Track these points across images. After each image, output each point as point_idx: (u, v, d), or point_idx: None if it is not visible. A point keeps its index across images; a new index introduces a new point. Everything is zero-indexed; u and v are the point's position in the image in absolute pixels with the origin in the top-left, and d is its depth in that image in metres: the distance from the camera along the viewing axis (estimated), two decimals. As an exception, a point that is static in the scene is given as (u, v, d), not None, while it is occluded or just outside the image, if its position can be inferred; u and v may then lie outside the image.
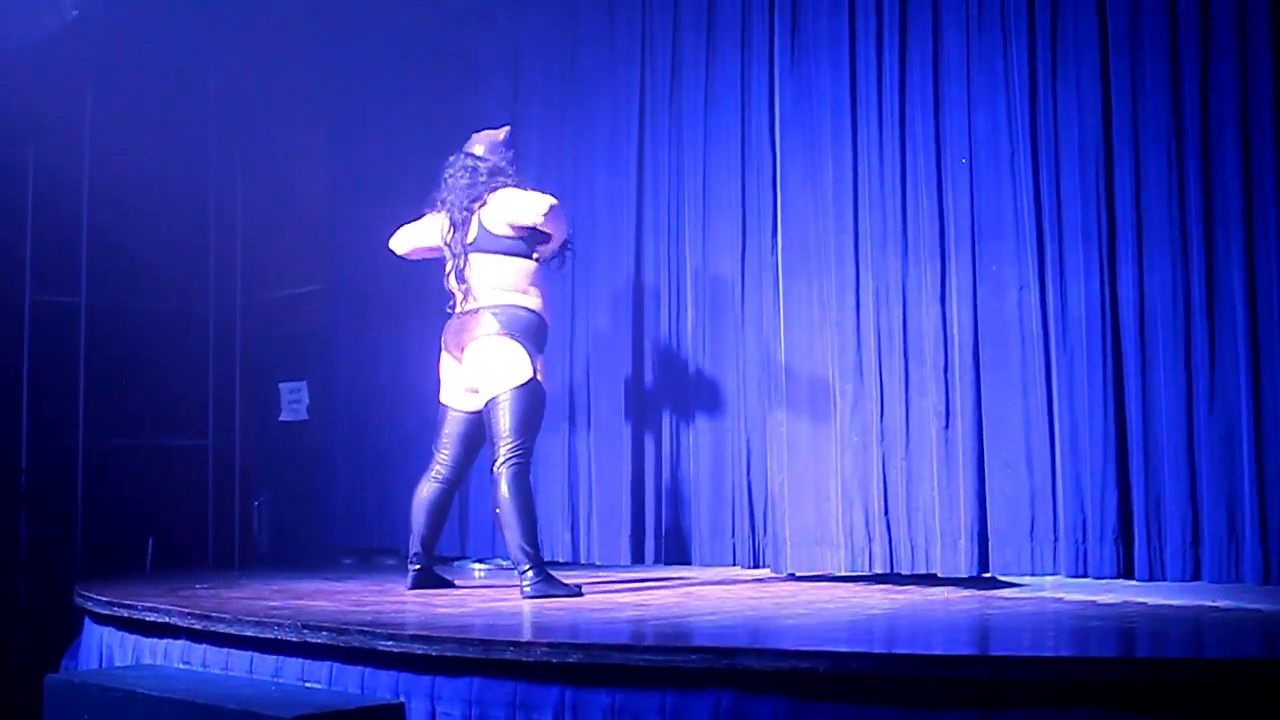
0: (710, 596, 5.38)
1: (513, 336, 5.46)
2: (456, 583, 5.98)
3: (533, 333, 5.51)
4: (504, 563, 7.10)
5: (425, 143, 7.47)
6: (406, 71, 7.86)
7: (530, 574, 5.33)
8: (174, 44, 7.86)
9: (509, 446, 5.40)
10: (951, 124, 5.58)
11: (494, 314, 5.48)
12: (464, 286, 5.56)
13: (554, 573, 5.47)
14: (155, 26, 7.62)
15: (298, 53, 8.23)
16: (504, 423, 5.41)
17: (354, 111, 8.18)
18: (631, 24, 6.80)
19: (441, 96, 7.66)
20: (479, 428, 5.59)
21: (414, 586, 5.70)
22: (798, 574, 5.94)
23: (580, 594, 5.33)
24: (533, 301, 5.54)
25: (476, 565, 7.12)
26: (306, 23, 8.13)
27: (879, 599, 5.19)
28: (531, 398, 5.45)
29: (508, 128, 5.87)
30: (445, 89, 7.66)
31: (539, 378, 5.49)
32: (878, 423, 5.68)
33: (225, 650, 4.71)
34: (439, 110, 7.62)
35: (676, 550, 6.43)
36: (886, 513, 5.62)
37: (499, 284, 5.51)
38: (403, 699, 4.10)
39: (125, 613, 5.25)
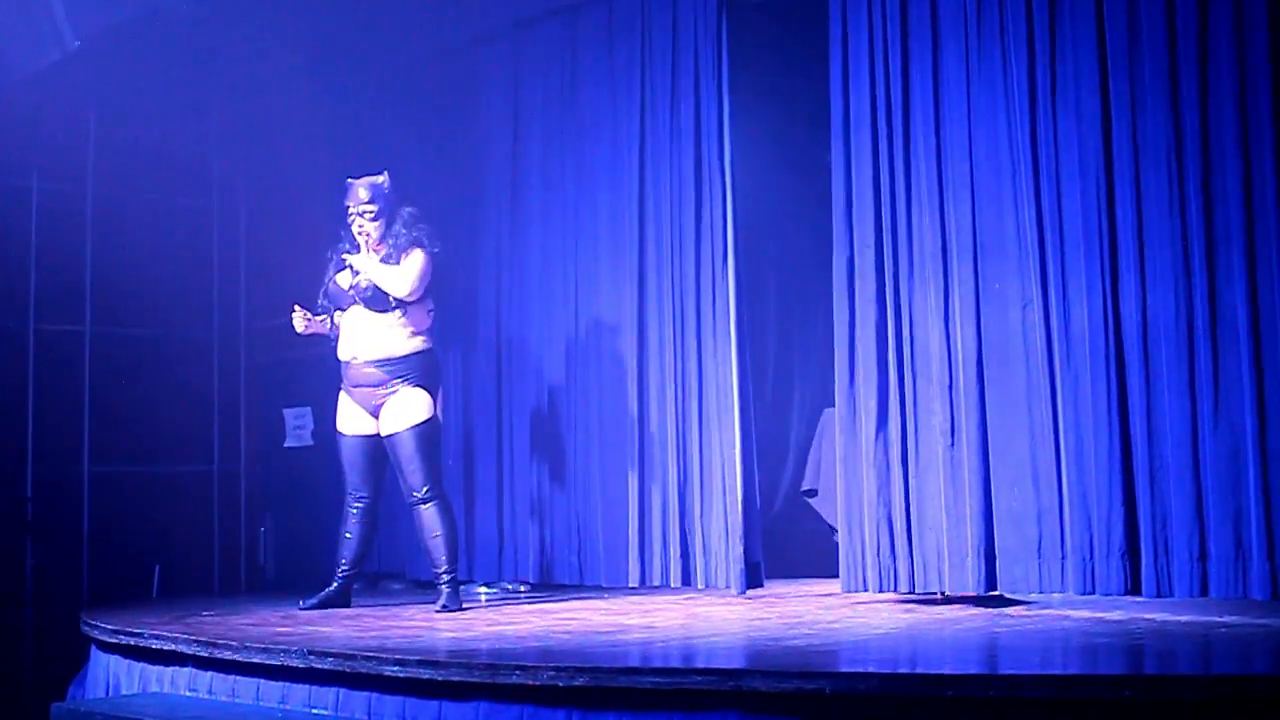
0: (715, 618, 5.37)
1: None
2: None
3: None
4: (510, 585, 7.10)
5: (426, 166, 7.50)
6: (407, 96, 7.88)
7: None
8: (176, 72, 7.87)
9: None
10: (952, 140, 5.58)
11: None
12: None
13: (541, 594, 5.53)
14: (157, 56, 7.64)
15: (299, 80, 8.24)
16: None
17: (355, 137, 8.19)
18: (631, 48, 6.81)
19: (443, 122, 7.68)
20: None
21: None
22: (805, 593, 5.93)
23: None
24: None
25: (482, 588, 7.11)
26: (308, 51, 8.15)
27: (885, 618, 5.17)
28: None
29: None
30: (446, 114, 7.68)
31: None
32: (883, 441, 5.65)
33: (232, 677, 4.71)
34: (441, 135, 7.64)
35: (683, 571, 6.41)
36: (893, 532, 5.60)
37: None
38: (409, 724, 4.10)
39: (131, 640, 5.24)
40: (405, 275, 5.94)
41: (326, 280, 6.13)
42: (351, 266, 6.00)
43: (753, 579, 6.12)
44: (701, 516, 6.33)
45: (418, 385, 6.01)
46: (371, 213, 6.02)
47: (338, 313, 6.11)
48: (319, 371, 6.34)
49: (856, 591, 5.71)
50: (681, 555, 6.40)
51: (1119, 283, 5.10)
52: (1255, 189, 4.78)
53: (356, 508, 6.14)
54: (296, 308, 6.05)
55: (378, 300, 5.98)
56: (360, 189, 6.06)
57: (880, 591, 5.62)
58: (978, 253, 5.48)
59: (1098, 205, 5.16)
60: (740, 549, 6.09)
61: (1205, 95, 4.92)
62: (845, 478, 5.75)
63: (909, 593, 5.57)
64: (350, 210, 6.05)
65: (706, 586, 6.31)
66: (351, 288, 6.01)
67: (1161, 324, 4.98)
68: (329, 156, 8.35)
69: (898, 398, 5.62)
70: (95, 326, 8.09)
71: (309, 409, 8.14)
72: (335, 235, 6.19)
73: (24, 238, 7.87)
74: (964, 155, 5.53)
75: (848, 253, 5.82)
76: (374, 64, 7.98)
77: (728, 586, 6.17)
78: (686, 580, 6.39)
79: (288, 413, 8.35)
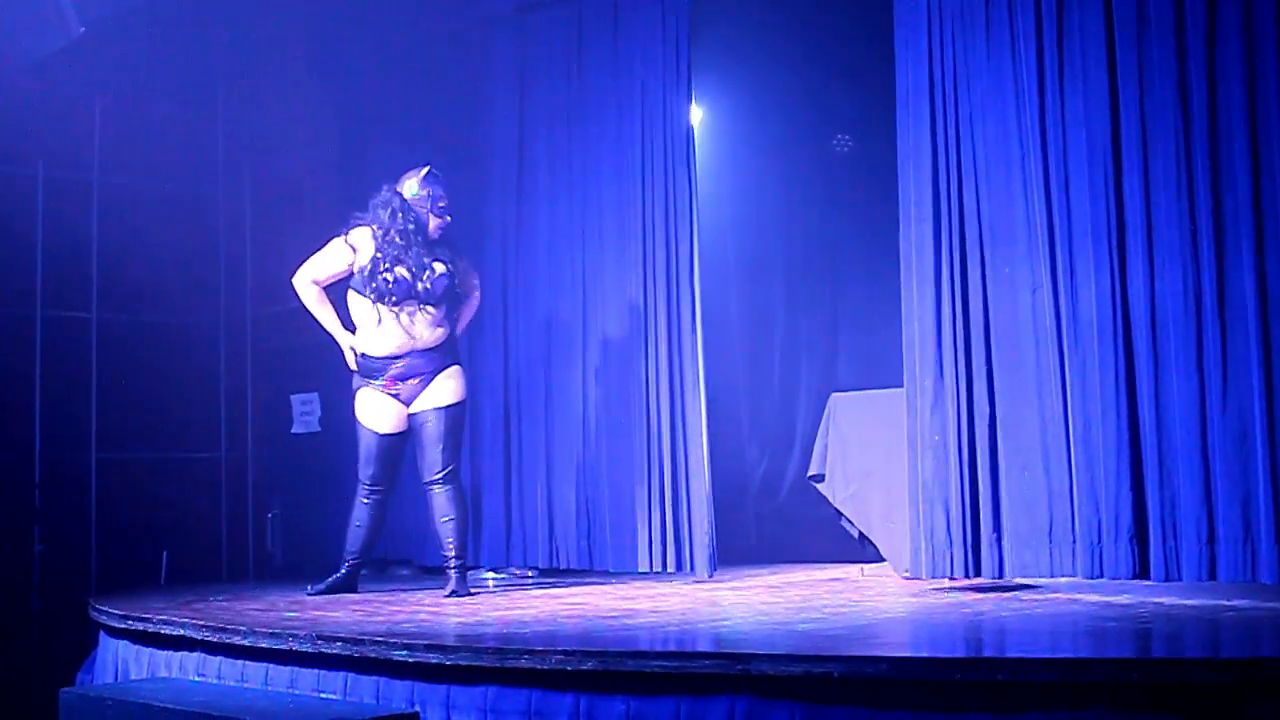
0: (723, 602, 5.38)
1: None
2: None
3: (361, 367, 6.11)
4: (518, 570, 7.11)
5: (431, 155, 7.48)
6: (412, 84, 7.87)
7: None
8: (182, 59, 7.87)
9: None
10: (962, 126, 5.55)
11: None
12: None
13: (550, 579, 5.54)
14: (163, 42, 7.64)
15: (306, 66, 8.24)
16: None
17: (361, 124, 8.19)
18: (635, 31, 6.78)
19: (447, 109, 7.67)
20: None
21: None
22: (813, 578, 5.93)
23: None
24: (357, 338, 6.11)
25: (490, 574, 7.12)
26: (314, 38, 8.15)
27: (893, 602, 5.17)
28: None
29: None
30: (451, 102, 7.66)
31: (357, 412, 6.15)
32: (940, 422, 5.56)
33: (241, 662, 4.72)
34: (445, 123, 7.63)
35: (690, 557, 6.41)
36: (949, 516, 5.49)
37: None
38: (418, 708, 4.11)
39: (140, 626, 5.26)
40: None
41: (385, 263, 5.95)
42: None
43: (712, 563, 6.28)
44: (675, 504, 6.41)
45: (455, 365, 6.13)
46: (444, 205, 6.12)
47: (380, 305, 5.96)
48: (326, 357, 6.34)
49: (922, 579, 5.50)
50: (675, 540, 6.42)
51: (1127, 266, 5.07)
52: (1264, 171, 4.75)
53: (372, 499, 6.14)
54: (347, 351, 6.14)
55: (446, 294, 6.04)
56: (440, 186, 6.12)
57: (933, 578, 5.46)
58: (987, 237, 5.44)
59: (1106, 189, 5.13)
60: (706, 535, 6.23)
61: (1213, 77, 4.88)
62: (908, 461, 5.63)
63: (964, 578, 5.48)
64: (425, 203, 6.07)
65: (678, 569, 6.39)
66: (422, 286, 5.96)
67: (1170, 307, 4.95)
68: (334, 142, 8.37)
69: (953, 378, 5.49)
70: (102, 313, 8.10)
71: (316, 395, 8.15)
72: (344, 221, 6.15)
73: (30, 224, 7.87)
74: (973, 138, 5.50)
75: (909, 228, 5.67)
76: (379, 49, 7.97)
77: (693, 570, 6.29)
78: (694, 566, 6.40)
79: (295, 398, 8.35)
